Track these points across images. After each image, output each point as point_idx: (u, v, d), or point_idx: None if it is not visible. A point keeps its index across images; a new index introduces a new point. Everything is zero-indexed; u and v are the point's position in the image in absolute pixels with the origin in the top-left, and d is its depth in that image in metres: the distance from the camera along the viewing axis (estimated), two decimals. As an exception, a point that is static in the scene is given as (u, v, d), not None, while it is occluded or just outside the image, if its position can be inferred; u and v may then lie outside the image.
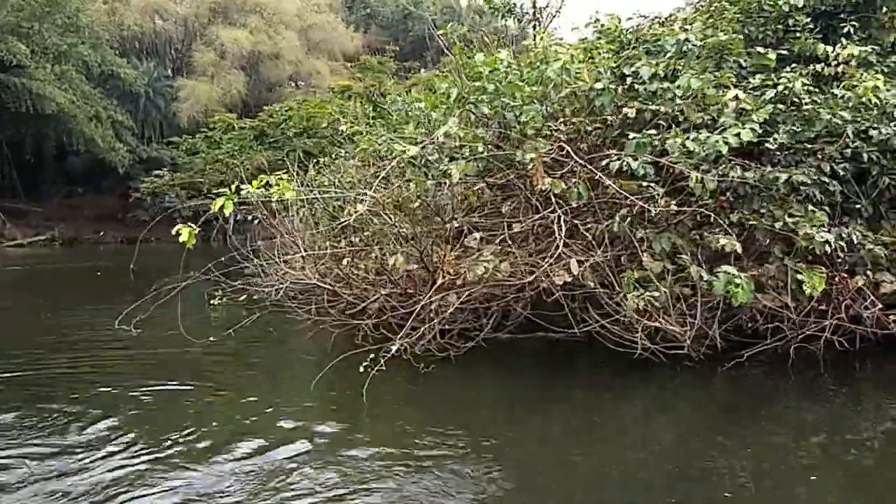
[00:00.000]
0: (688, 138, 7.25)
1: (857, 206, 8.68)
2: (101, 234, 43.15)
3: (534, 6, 16.23)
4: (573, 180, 7.59)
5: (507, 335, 8.46)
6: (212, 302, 12.93)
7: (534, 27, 15.59)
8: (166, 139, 45.25)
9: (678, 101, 7.68)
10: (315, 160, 14.62)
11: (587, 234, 8.24)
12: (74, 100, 37.78)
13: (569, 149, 7.72)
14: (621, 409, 7.34)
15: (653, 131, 7.38)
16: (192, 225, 6.90)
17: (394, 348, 6.86)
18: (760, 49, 9.21)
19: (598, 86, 7.74)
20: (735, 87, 8.10)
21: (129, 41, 44.44)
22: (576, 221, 8.25)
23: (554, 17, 16.46)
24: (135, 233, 43.86)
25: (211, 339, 10.11)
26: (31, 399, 7.26)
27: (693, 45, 8.56)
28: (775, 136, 7.90)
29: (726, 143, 7.24)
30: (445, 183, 8.12)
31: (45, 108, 36.38)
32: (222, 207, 7.19)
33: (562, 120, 7.86)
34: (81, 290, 20.33)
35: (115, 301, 17.87)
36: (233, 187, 7.59)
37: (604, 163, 7.97)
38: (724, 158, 7.85)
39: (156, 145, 43.92)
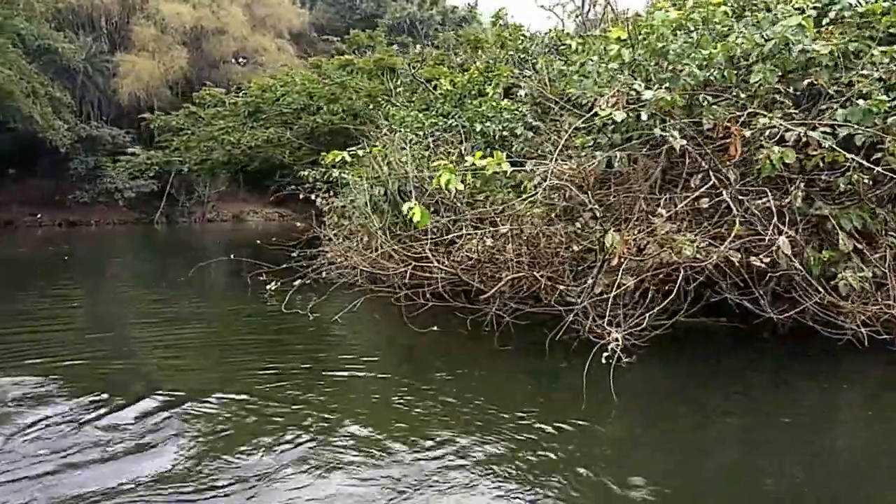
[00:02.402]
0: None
1: None
2: (39, 216, 40.07)
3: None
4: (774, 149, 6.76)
5: (690, 320, 7.57)
6: (268, 286, 11.76)
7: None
8: (105, 117, 42.28)
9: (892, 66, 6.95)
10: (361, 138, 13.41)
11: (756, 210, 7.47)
12: (11, 75, 34.60)
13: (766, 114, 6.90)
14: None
15: (884, 97, 6.63)
16: (416, 202, 5.73)
17: (613, 340, 5.92)
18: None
19: (823, 49, 6.93)
20: None
21: (64, 14, 41.04)
22: (740, 197, 7.50)
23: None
24: (72, 215, 40.99)
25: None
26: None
27: (856, 10, 7.86)
28: None
29: (944, 111, 6.58)
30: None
31: (-20, 84, 33.23)
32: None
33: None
34: (73, 273, 18.37)
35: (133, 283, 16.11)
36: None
37: (766, 133, 7.24)
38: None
39: (95, 123, 40.92)
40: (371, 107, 16.61)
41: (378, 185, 11.09)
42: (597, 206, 6.81)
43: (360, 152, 11.48)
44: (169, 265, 21.18)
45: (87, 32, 42.59)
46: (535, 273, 7.83)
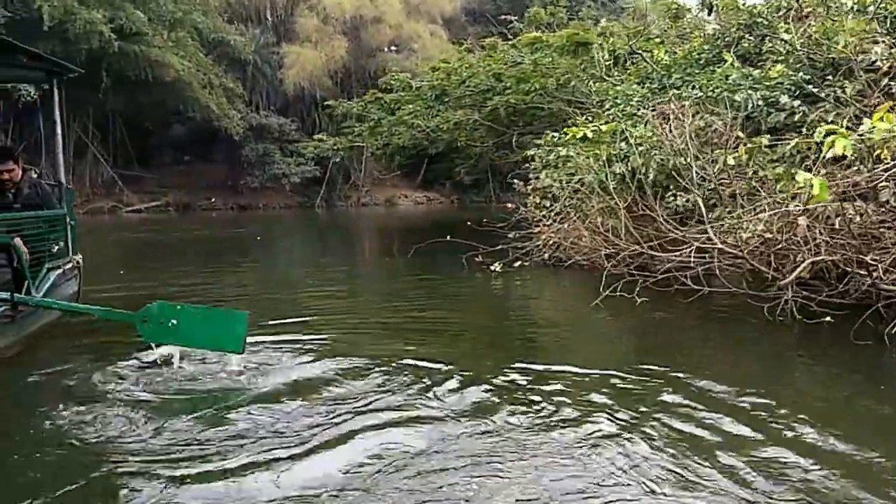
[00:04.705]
0: None
1: None
2: (213, 200, 41.60)
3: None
4: None
5: None
6: (492, 268, 11.01)
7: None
8: (272, 106, 43.33)
9: None
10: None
11: None
12: (190, 67, 35.89)
13: None
14: None
15: None
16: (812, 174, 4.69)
17: None
18: None
19: None
20: None
21: (234, 7, 42.24)
22: None
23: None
24: (243, 199, 42.31)
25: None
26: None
27: None
28: None
29: None
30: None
31: (164, 76, 34.55)
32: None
33: None
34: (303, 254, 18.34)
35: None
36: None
37: None
38: None
39: (264, 112, 42.01)
40: (571, 83, 15.53)
41: (617, 163, 10.03)
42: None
43: (605, 127, 10.52)
44: (357, 245, 21.04)
45: (255, 25, 43.66)
46: (854, 256, 6.57)
